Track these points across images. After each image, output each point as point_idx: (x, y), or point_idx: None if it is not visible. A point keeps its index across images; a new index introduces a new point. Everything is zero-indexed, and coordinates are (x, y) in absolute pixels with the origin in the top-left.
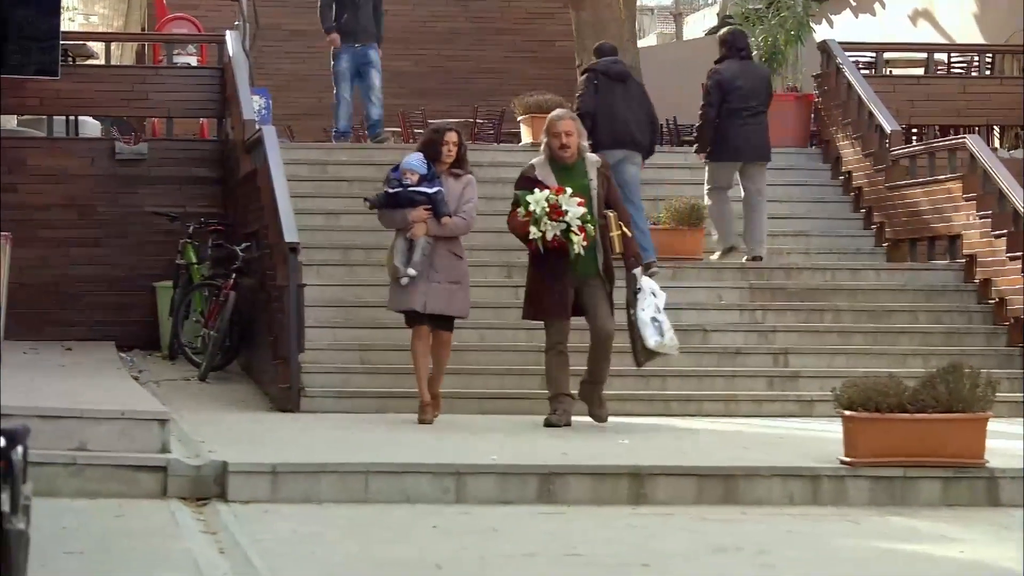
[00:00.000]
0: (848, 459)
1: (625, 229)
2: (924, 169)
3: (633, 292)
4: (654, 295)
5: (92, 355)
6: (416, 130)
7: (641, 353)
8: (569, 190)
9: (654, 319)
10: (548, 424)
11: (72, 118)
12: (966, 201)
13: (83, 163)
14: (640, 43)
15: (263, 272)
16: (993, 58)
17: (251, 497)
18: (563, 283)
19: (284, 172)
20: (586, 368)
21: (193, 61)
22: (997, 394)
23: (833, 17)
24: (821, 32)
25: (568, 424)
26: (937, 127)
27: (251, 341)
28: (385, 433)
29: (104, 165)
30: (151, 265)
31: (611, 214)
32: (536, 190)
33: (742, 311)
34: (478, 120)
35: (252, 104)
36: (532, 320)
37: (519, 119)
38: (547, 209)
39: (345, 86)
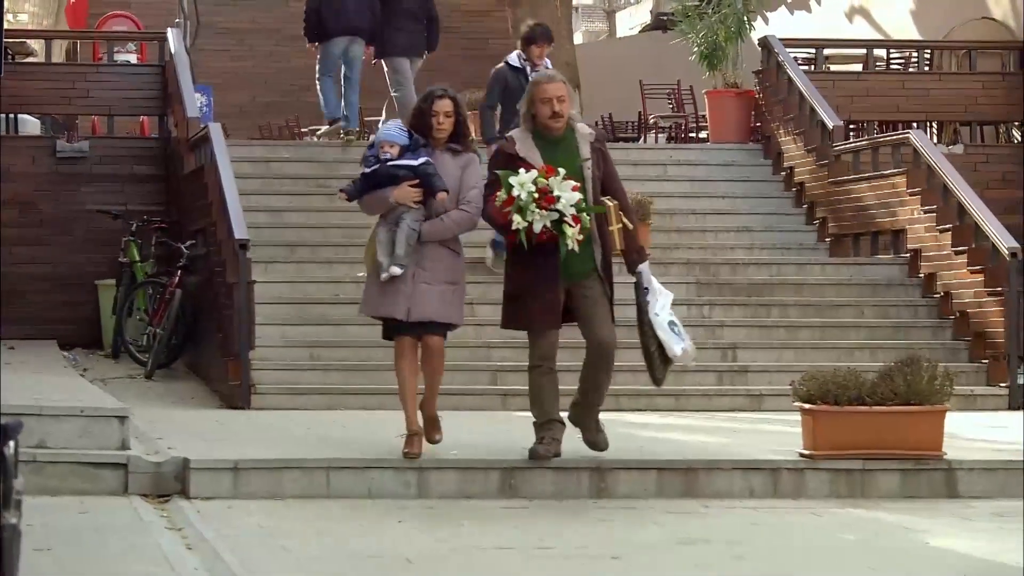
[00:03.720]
0: (807, 452)
1: (626, 221)
2: (867, 164)
3: (643, 294)
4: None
5: (36, 353)
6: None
7: (660, 369)
8: (562, 171)
9: (671, 323)
10: (534, 456)
11: (11, 116)
12: (910, 196)
13: (24, 162)
14: None
15: (211, 269)
16: (932, 54)
17: (213, 493)
18: (552, 285)
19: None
20: (579, 387)
21: (133, 59)
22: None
23: (768, 14)
24: (757, 29)
25: (558, 455)
26: (876, 123)
27: (197, 339)
28: (345, 428)
29: (45, 163)
30: (94, 263)
31: (611, 203)
32: (521, 170)
33: (689, 306)
34: None
35: (195, 101)
36: (514, 330)
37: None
38: (535, 194)
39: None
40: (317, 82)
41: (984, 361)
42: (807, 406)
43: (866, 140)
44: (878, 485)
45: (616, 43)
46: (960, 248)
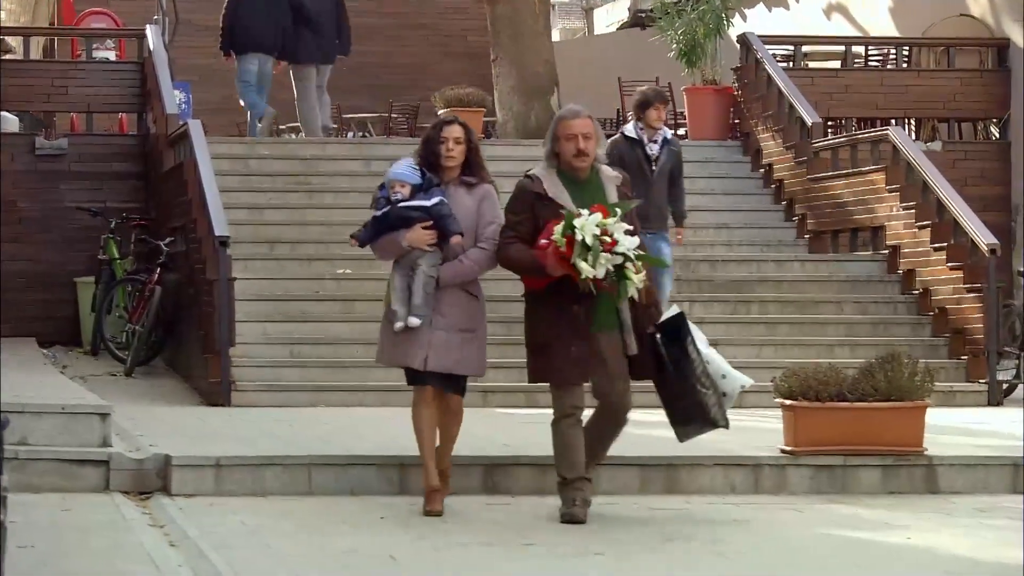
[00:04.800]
0: (789, 448)
1: (661, 267)
2: (846, 161)
3: (678, 336)
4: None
5: (15, 351)
6: (331, 125)
7: (718, 410)
8: (620, 211)
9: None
10: (568, 520)
11: None
12: (889, 192)
13: (3, 159)
14: None
15: (191, 266)
16: (910, 51)
17: (195, 490)
18: (582, 337)
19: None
20: (584, 444)
21: (112, 56)
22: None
23: (747, 11)
24: (736, 25)
25: (583, 521)
26: (855, 120)
27: (177, 336)
28: (327, 425)
29: (24, 161)
30: (73, 261)
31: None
32: (584, 211)
33: (669, 303)
34: (392, 115)
35: (174, 98)
36: (542, 383)
37: (439, 112)
38: (604, 237)
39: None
40: (238, 86)
41: (963, 357)
42: (788, 402)
43: (845, 137)
44: (859, 481)
45: (594, 40)
46: (939, 245)
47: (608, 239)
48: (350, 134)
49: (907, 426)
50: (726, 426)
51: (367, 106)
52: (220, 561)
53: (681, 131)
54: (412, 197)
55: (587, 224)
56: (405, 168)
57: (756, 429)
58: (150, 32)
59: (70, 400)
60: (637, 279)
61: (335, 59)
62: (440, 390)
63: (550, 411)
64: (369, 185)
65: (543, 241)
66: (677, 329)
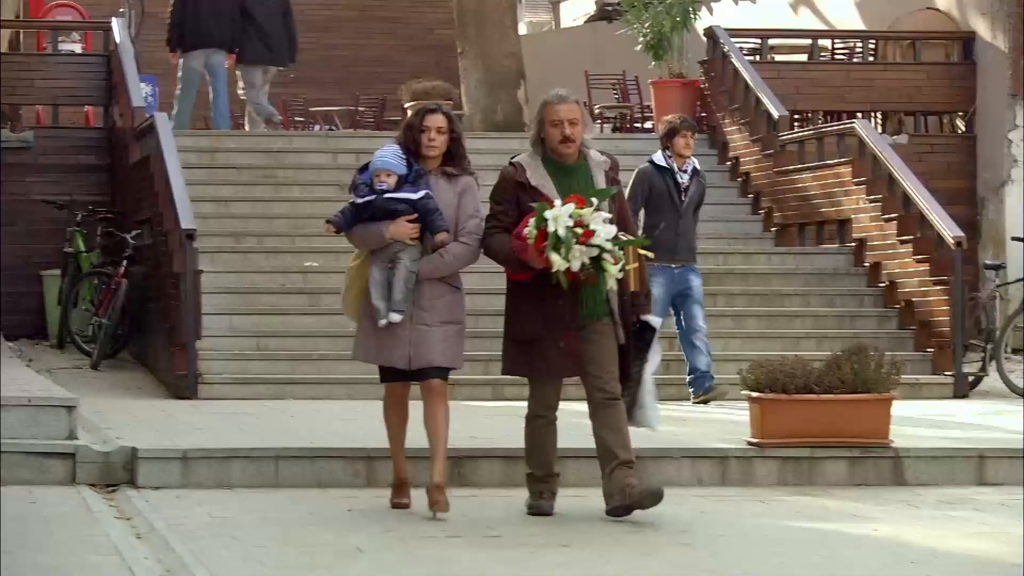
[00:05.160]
0: (755, 440)
1: (646, 252)
2: (812, 154)
3: (644, 344)
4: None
5: None
6: (297, 118)
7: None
8: (596, 201)
9: (655, 389)
10: (538, 513)
11: None
12: (856, 185)
13: None
14: None
15: (157, 259)
16: (876, 44)
17: (162, 483)
18: (570, 330)
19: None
20: (599, 447)
21: (78, 48)
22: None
23: (714, 4)
24: (703, 19)
25: (550, 513)
26: (821, 113)
27: (143, 329)
28: (293, 418)
29: None
30: (39, 254)
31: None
32: (557, 202)
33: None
34: (359, 108)
35: (140, 91)
36: (518, 376)
37: (406, 106)
38: (576, 229)
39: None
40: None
41: (929, 350)
42: (755, 395)
43: (811, 130)
44: (826, 473)
45: (561, 34)
46: (905, 238)
47: (583, 230)
48: (316, 127)
49: (873, 418)
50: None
51: (334, 99)
52: (186, 553)
53: (648, 124)
54: (398, 188)
55: (560, 215)
56: (392, 157)
57: (723, 421)
58: (116, 25)
59: (36, 393)
60: (614, 270)
61: (283, 64)
62: (407, 386)
63: (516, 404)
64: (336, 178)
65: (524, 232)
66: (645, 340)
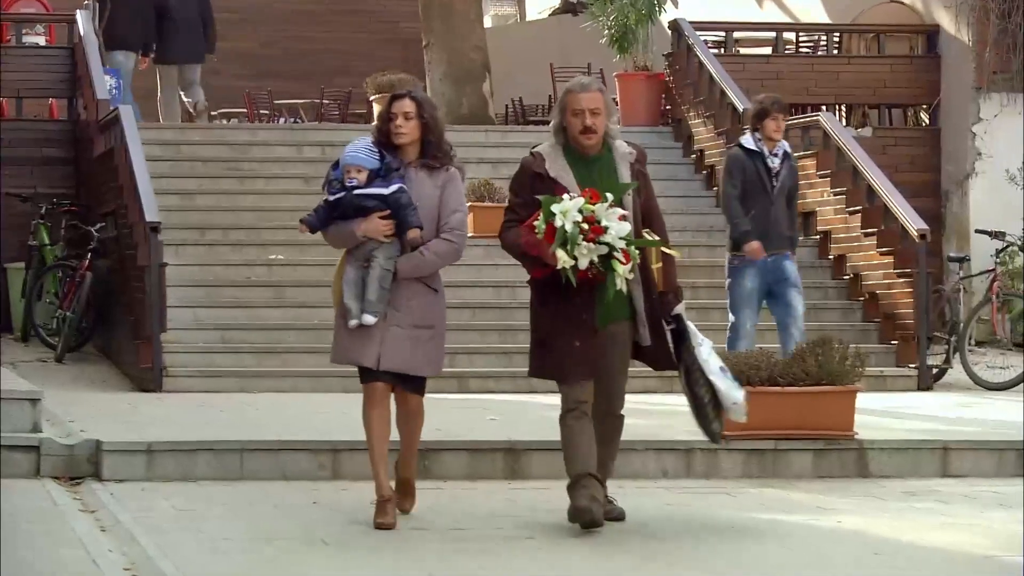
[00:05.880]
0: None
1: (673, 252)
2: None
3: (680, 337)
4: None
5: None
6: (262, 111)
7: (715, 421)
8: (610, 196)
9: (722, 368)
10: (580, 520)
11: None
12: (820, 178)
13: None
14: None
15: (122, 252)
16: (840, 38)
17: (126, 476)
18: (588, 332)
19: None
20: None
21: (42, 41)
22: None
23: None
24: (667, 11)
25: (600, 524)
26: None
27: (108, 322)
28: (258, 411)
29: None
30: (3, 246)
31: (653, 237)
32: (565, 196)
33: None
34: (324, 101)
35: (105, 83)
36: (545, 379)
37: (371, 98)
38: (583, 224)
39: None
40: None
41: (893, 343)
42: None
43: None
44: (790, 465)
45: (526, 26)
46: (870, 230)
47: (592, 226)
48: (282, 120)
49: (838, 410)
50: (711, 439)
51: (299, 92)
52: (151, 546)
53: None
54: (369, 183)
55: (569, 210)
56: (362, 151)
57: (688, 413)
58: (80, 17)
59: (0, 386)
60: (623, 270)
61: (203, 58)
62: (392, 387)
63: (482, 396)
64: (301, 171)
65: (534, 225)
66: (679, 332)
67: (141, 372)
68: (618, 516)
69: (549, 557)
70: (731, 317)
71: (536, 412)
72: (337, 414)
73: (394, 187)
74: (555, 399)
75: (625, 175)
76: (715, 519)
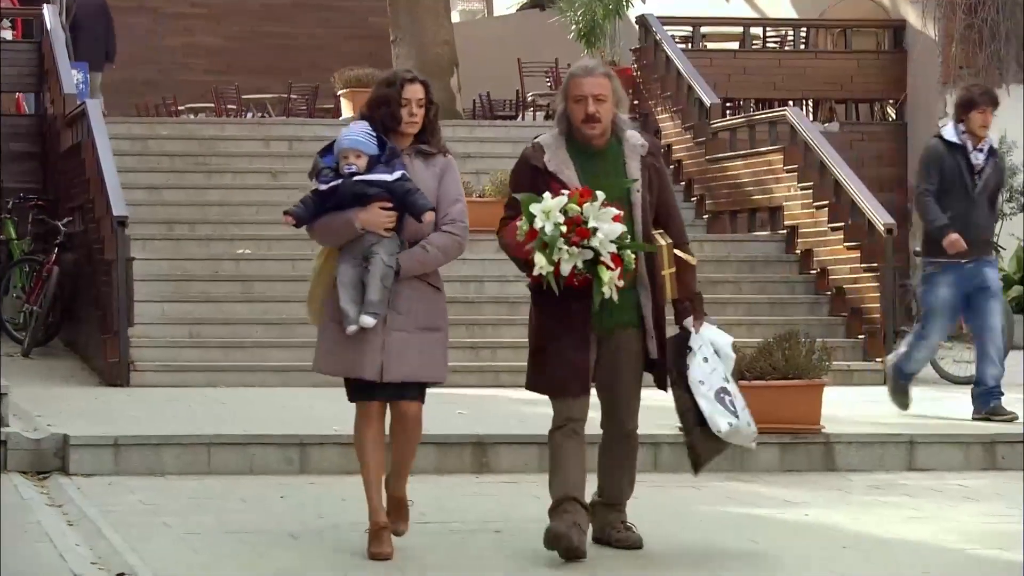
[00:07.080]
0: None
1: (685, 256)
2: (744, 142)
3: (680, 353)
4: (717, 355)
5: None
6: (229, 106)
7: (704, 447)
8: (600, 195)
9: (723, 391)
10: (558, 547)
11: None
12: (787, 173)
13: None
14: None
15: (89, 247)
16: (808, 33)
17: (94, 470)
18: (581, 343)
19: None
20: (598, 480)
21: (8, 35)
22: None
23: None
24: (635, 6)
25: (582, 554)
26: (753, 100)
27: (75, 316)
28: (225, 405)
29: None
30: None
31: (663, 242)
32: (547, 194)
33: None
34: (292, 96)
35: (72, 78)
36: (539, 393)
37: (339, 93)
38: (563, 227)
39: None
40: None
41: (860, 337)
42: None
43: (743, 118)
44: (757, 459)
45: (494, 22)
46: (836, 225)
47: (578, 228)
48: (249, 114)
49: (805, 404)
50: (693, 468)
51: (266, 86)
52: (118, 540)
53: None
54: (369, 170)
55: (551, 209)
56: (362, 135)
57: (655, 408)
58: (48, 12)
59: None
60: (609, 276)
61: (102, 68)
62: (384, 404)
63: (443, 391)
64: (268, 166)
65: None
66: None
67: (108, 366)
68: (634, 544)
69: (514, 548)
70: (915, 326)
71: (504, 406)
72: (304, 408)
73: (398, 173)
74: (526, 393)
75: (635, 170)
76: (683, 512)
